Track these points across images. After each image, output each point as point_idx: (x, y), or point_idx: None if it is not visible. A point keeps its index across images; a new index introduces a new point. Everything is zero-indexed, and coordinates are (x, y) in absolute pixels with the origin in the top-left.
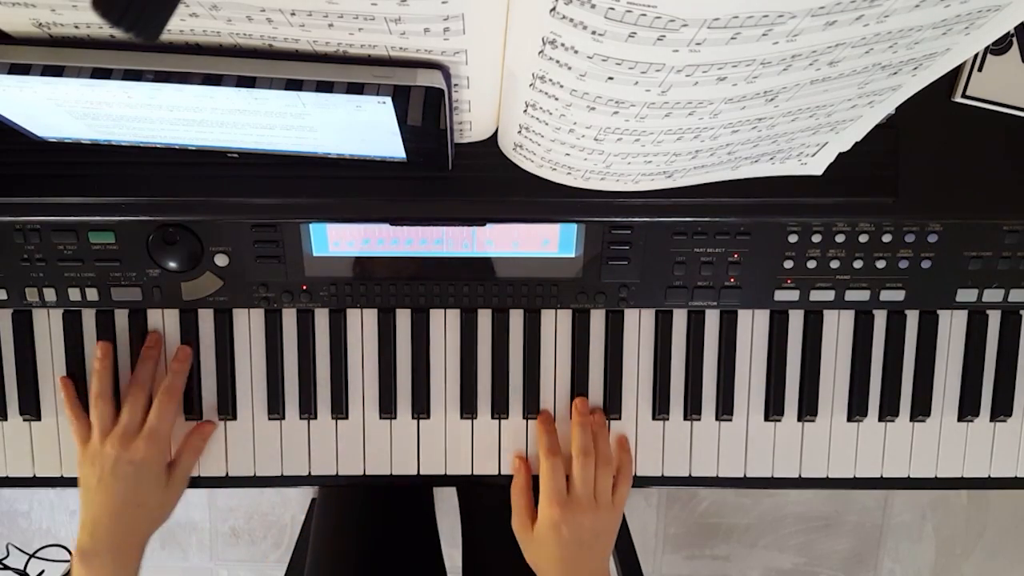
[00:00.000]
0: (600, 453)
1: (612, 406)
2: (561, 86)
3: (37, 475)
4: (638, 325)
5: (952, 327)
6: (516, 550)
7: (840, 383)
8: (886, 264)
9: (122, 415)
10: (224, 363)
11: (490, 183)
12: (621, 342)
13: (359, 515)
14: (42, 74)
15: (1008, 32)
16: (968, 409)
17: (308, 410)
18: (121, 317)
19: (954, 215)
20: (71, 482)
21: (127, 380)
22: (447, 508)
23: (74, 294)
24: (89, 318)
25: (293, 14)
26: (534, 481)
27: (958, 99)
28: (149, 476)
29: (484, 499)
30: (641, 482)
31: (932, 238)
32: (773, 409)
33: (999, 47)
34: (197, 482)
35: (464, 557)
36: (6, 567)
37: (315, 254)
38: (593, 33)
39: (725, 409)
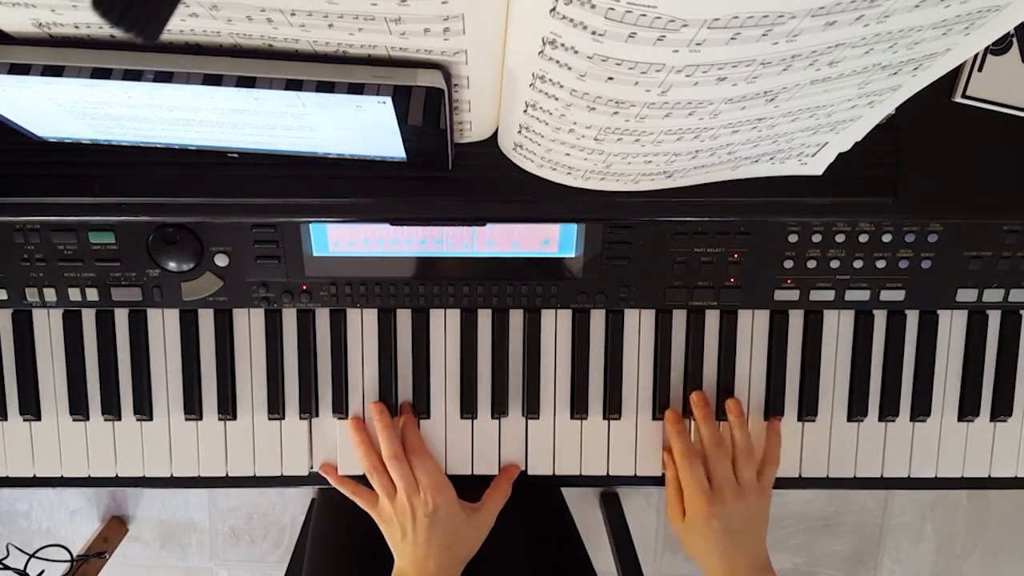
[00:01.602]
0: (737, 442)
1: (612, 406)
2: (561, 86)
3: (37, 475)
4: (638, 325)
5: (952, 327)
6: (514, 549)
7: (840, 383)
8: (886, 264)
9: (397, 482)
10: (224, 363)
11: (490, 183)
12: (621, 342)
13: (359, 515)
14: (42, 74)
15: (1008, 32)
16: (968, 409)
17: (308, 410)
18: (121, 317)
19: (954, 215)
20: (71, 482)
21: (127, 378)
22: None
23: (74, 294)
24: (89, 318)
25: (293, 14)
26: None
27: (958, 99)
28: (447, 521)
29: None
30: (641, 482)
31: (932, 238)
32: (773, 409)
33: (999, 47)
34: (197, 482)
35: None
36: (6, 567)
37: (315, 254)
38: (593, 33)
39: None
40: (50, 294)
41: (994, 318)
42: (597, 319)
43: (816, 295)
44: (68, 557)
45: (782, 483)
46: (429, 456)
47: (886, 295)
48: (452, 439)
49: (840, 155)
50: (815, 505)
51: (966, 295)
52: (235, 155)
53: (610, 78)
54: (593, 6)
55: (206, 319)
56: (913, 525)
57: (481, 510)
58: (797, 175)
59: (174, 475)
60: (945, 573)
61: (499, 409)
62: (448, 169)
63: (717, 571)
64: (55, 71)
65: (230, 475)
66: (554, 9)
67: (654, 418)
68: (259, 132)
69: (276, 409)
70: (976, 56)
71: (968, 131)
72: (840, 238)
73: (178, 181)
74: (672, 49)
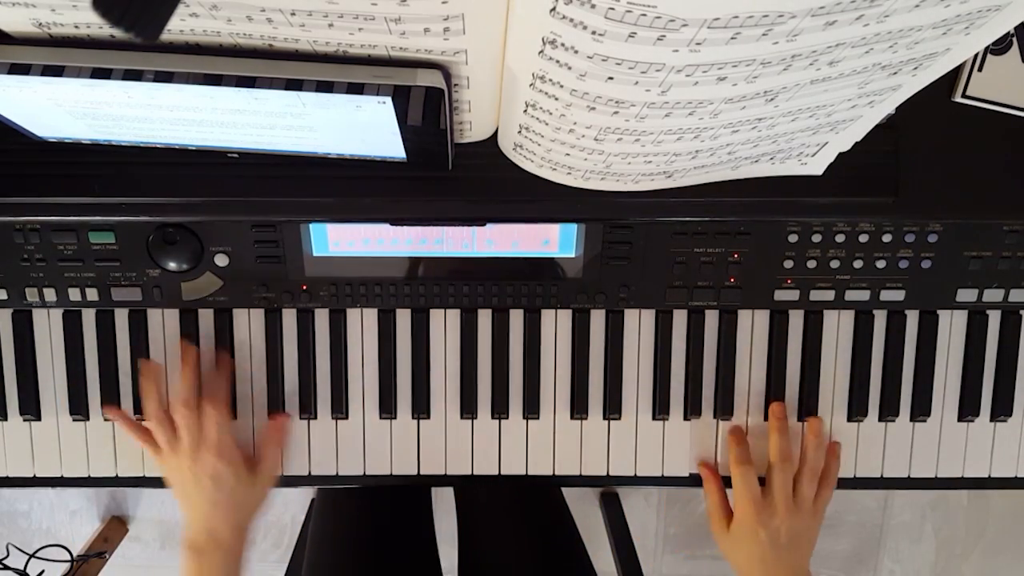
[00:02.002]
0: (807, 460)
1: (612, 406)
2: (561, 86)
3: (37, 475)
4: (638, 325)
5: (952, 327)
6: (512, 549)
7: (840, 383)
8: (886, 264)
9: (180, 433)
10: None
11: (490, 183)
12: (621, 342)
13: (356, 515)
14: (42, 74)
15: (1008, 32)
16: (968, 409)
17: (308, 410)
18: (121, 317)
19: (954, 215)
20: (71, 482)
21: (127, 378)
22: (447, 508)
23: (74, 294)
24: (89, 318)
25: (293, 14)
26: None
27: (958, 99)
28: (229, 480)
29: (480, 498)
30: (641, 482)
31: (932, 238)
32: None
33: (999, 47)
34: None
35: (460, 556)
36: (6, 567)
37: (315, 254)
38: (593, 33)
39: (725, 409)
40: (50, 294)
41: (994, 318)
42: (597, 319)
43: (816, 295)
44: (68, 557)
45: None
46: (225, 409)
47: (886, 295)
48: (452, 439)
49: (840, 155)
50: None
51: (966, 295)
52: (235, 155)
53: (610, 78)
54: (593, 6)
55: (206, 319)
56: (913, 525)
57: (262, 467)
58: (797, 175)
59: None
60: (945, 573)
61: (499, 409)
62: (448, 169)
63: None
64: (55, 71)
65: None
66: (554, 9)
67: (654, 418)
68: (259, 132)
69: (276, 409)
70: (976, 56)
71: (968, 131)
72: (840, 238)
73: (178, 181)
74: (672, 49)
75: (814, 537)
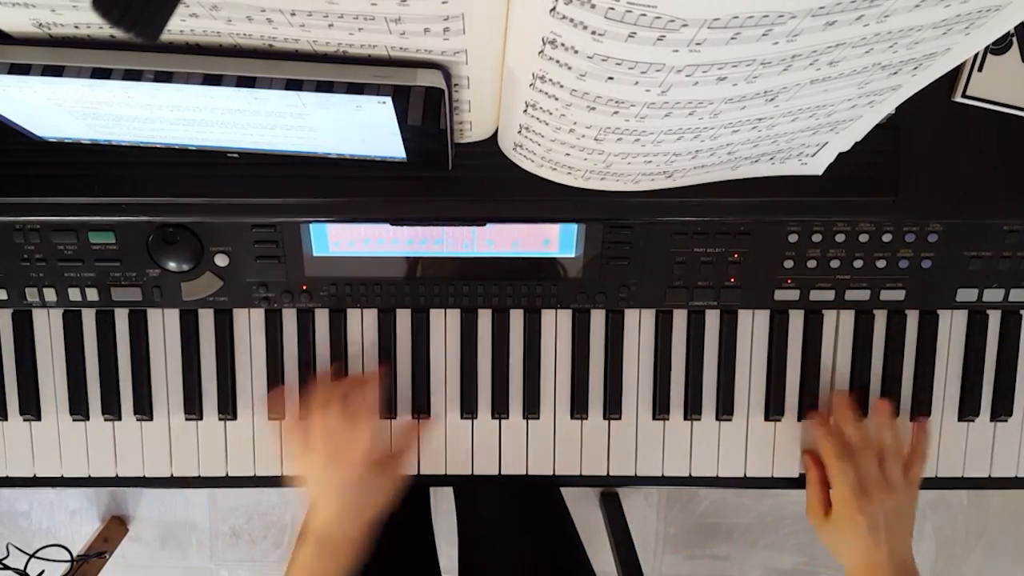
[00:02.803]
0: (886, 443)
1: (612, 406)
2: (561, 86)
3: (37, 475)
4: (638, 325)
5: (952, 327)
6: (511, 549)
7: (840, 383)
8: (886, 264)
9: (340, 436)
10: (224, 363)
11: (490, 183)
12: (621, 342)
13: None
14: (42, 74)
15: (1008, 32)
16: (968, 409)
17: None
18: (121, 317)
19: (954, 215)
20: (71, 482)
21: (127, 378)
22: (447, 508)
23: (74, 294)
24: (89, 318)
25: (293, 14)
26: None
27: (958, 99)
28: (370, 485)
29: (480, 498)
30: (641, 482)
31: (932, 238)
32: (773, 409)
33: (999, 47)
34: (197, 482)
35: (460, 557)
36: (6, 567)
37: (315, 254)
38: (593, 33)
39: (725, 409)
40: (50, 294)
41: (994, 318)
42: (597, 319)
43: (816, 295)
44: (68, 557)
45: (782, 484)
46: (376, 419)
47: (886, 295)
48: (452, 439)
49: (840, 155)
50: None
51: (966, 295)
52: (235, 155)
53: (610, 78)
54: (593, 6)
55: (206, 319)
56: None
57: (394, 466)
58: (797, 175)
59: (174, 475)
60: (945, 573)
61: (499, 409)
62: (448, 169)
63: (859, 567)
64: (55, 71)
65: (230, 475)
66: (554, 9)
67: (654, 418)
68: (259, 132)
69: (276, 409)
70: (976, 56)
71: (968, 131)
72: (840, 238)
73: (178, 181)
74: (672, 49)
75: (912, 513)
